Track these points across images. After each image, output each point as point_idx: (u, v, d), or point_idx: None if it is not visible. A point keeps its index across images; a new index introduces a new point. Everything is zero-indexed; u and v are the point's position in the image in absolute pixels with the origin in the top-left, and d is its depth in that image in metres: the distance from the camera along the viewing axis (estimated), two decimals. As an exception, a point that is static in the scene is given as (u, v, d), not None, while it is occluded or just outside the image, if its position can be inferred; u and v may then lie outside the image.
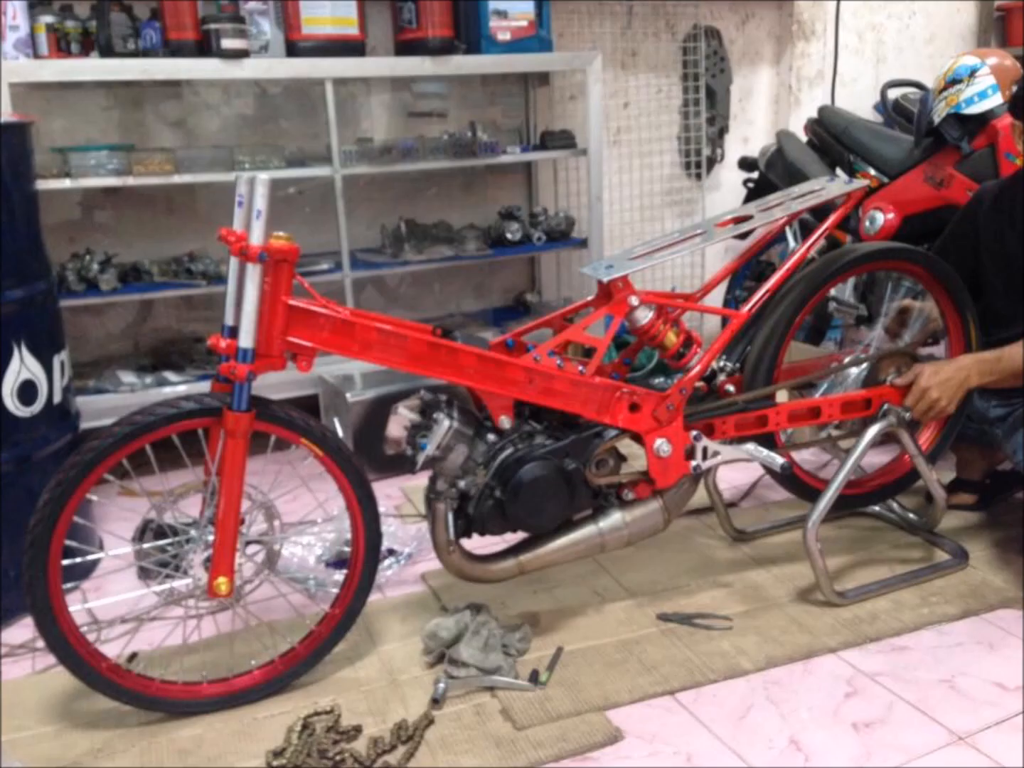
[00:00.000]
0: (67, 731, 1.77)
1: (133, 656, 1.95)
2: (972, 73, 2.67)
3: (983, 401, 2.30)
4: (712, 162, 4.18)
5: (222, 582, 1.73)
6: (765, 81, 4.26)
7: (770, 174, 3.37)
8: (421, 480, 2.02)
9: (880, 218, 2.91)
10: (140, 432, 1.67)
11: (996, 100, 2.64)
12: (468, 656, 1.84)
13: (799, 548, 2.13)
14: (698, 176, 4.11)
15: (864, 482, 2.38)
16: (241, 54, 2.85)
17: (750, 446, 2.05)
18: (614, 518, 1.99)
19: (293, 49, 3.01)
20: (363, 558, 1.88)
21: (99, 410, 2.73)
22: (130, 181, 2.85)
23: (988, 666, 1.89)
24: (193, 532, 1.78)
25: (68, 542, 1.68)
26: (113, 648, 1.88)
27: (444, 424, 1.81)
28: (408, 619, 2.11)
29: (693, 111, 4.02)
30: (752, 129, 4.29)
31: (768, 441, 2.10)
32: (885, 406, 2.15)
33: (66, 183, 2.77)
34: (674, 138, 4.09)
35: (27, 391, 2.16)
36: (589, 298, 2.07)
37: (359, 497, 1.84)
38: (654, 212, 4.08)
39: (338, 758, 1.64)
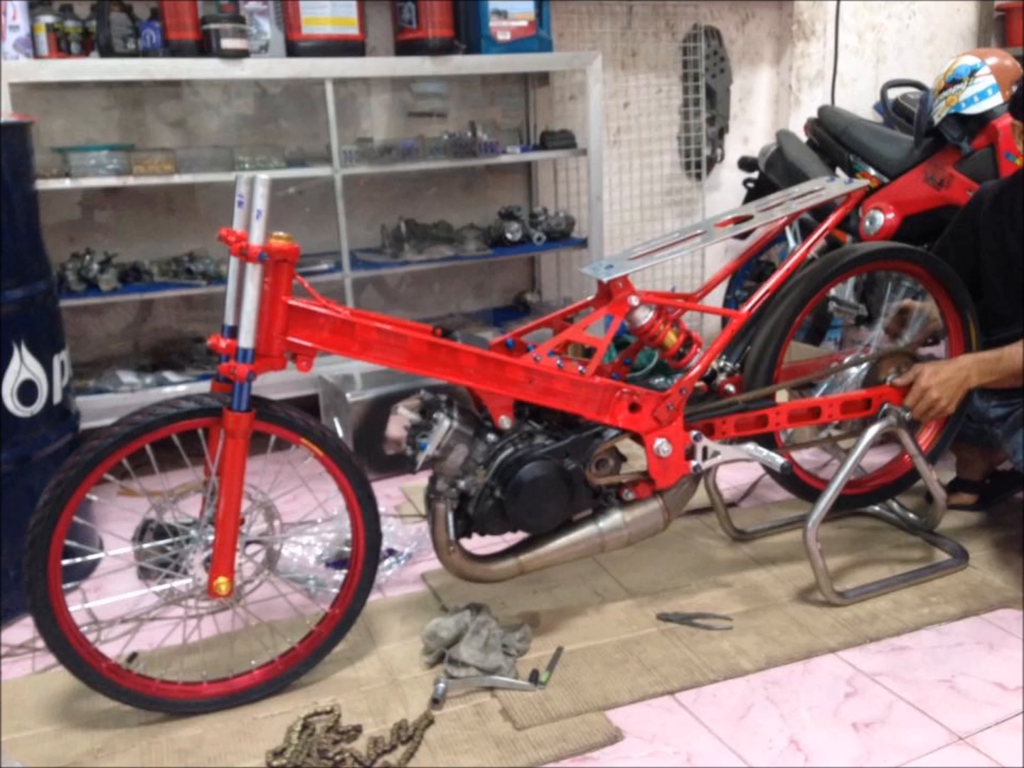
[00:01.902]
0: (67, 731, 1.77)
1: (133, 656, 1.95)
2: (972, 73, 2.67)
3: (983, 401, 2.30)
4: (712, 162, 4.18)
5: (222, 582, 1.73)
6: (765, 81, 4.26)
7: (770, 174, 3.37)
8: (421, 480, 2.02)
9: (880, 218, 2.92)
10: (140, 432, 1.67)
11: (996, 100, 2.64)
12: (468, 656, 1.84)
13: (799, 548, 2.13)
14: (698, 176, 4.11)
15: (864, 482, 2.38)
16: (241, 54, 2.85)
17: (750, 446, 2.05)
18: (614, 518, 1.99)
19: (293, 49, 3.01)
20: (363, 558, 1.88)
21: (99, 410, 2.73)
22: (130, 181, 2.85)
23: (988, 666, 1.89)
24: (193, 532, 1.78)
25: (68, 542, 1.68)
26: (113, 648, 1.88)
27: (444, 424, 1.81)
28: (408, 619, 2.11)
29: (693, 111, 4.02)
30: (752, 129, 4.29)
31: (768, 441, 2.10)
32: (885, 406, 2.15)
33: (66, 183, 2.77)
34: (674, 138, 4.09)
35: (27, 391, 2.16)
36: (589, 298, 2.07)
37: (359, 497, 1.84)
38: (654, 212, 4.08)
39: (338, 758, 1.64)
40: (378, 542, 1.89)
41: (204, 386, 2.37)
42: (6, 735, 1.76)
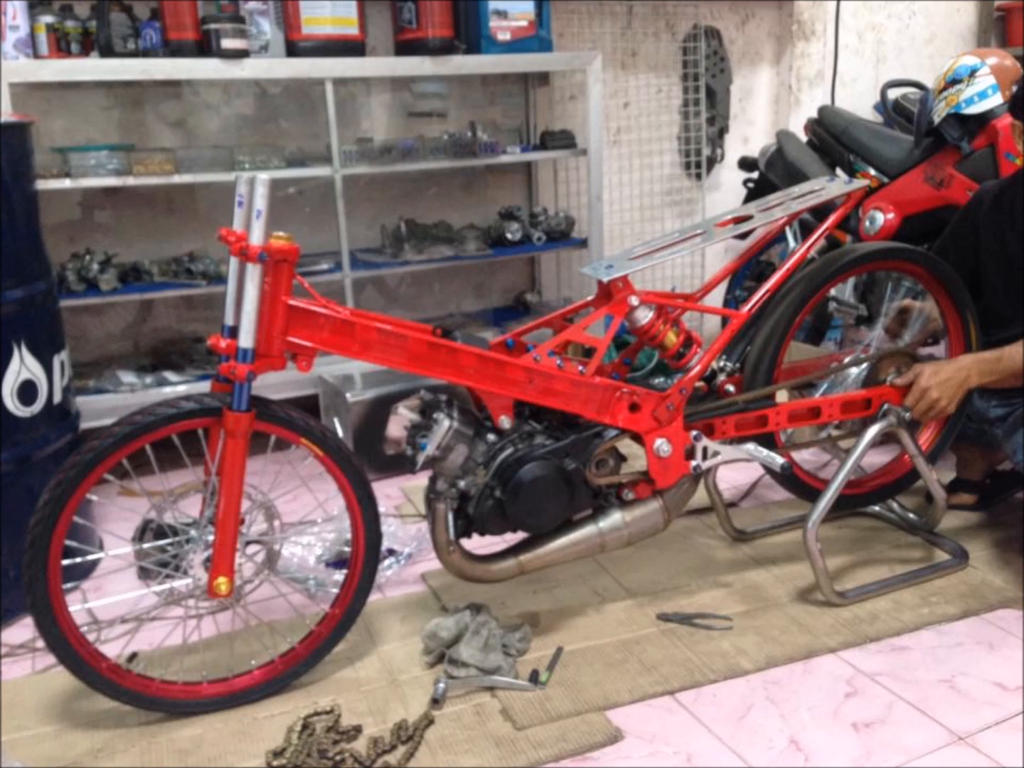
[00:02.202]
0: (67, 731, 1.77)
1: (133, 656, 1.95)
2: (972, 73, 2.67)
3: (983, 401, 2.30)
4: (712, 162, 4.18)
5: (222, 582, 1.73)
6: (765, 81, 4.26)
7: (770, 174, 3.37)
8: (421, 480, 2.02)
9: (880, 218, 2.92)
10: (140, 432, 1.67)
11: (996, 100, 2.64)
12: (468, 656, 1.84)
13: (799, 548, 2.13)
14: (698, 176, 4.11)
15: (864, 482, 2.38)
16: (241, 54, 2.85)
17: (750, 446, 2.05)
18: (614, 518, 1.99)
19: (293, 49, 3.01)
20: (363, 558, 1.88)
21: (99, 410, 2.73)
22: (130, 181, 2.85)
23: (988, 666, 1.89)
24: (193, 532, 1.78)
25: (68, 542, 1.68)
26: (113, 648, 1.88)
27: (444, 424, 1.81)
28: (408, 619, 2.11)
29: (693, 111, 4.02)
30: (752, 129, 4.29)
31: (768, 441, 2.10)
32: (885, 406, 2.15)
33: (66, 183, 2.77)
34: (674, 138, 4.09)
35: (27, 391, 2.16)
36: (589, 298, 2.07)
37: (359, 497, 1.84)
38: (654, 212, 4.08)
39: (338, 758, 1.64)
40: (378, 542, 1.89)
41: (204, 386, 2.37)
42: (6, 735, 1.76)
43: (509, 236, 3.46)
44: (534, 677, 1.86)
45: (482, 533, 1.92)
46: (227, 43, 2.81)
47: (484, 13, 3.19)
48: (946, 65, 2.76)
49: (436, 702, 1.79)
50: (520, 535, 1.98)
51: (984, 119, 2.66)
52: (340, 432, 2.92)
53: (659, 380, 3.28)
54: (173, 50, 2.83)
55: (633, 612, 2.12)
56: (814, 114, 3.37)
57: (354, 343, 1.74)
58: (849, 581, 2.21)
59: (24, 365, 2.15)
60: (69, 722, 1.79)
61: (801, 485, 2.26)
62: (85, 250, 2.93)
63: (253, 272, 1.63)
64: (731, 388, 2.10)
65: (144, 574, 2.27)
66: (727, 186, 4.22)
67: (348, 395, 2.94)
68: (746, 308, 2.04)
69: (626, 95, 3.95)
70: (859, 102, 4.25)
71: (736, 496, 2.74)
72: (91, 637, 1.87)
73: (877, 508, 2.52)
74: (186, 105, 3.22)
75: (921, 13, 4.50)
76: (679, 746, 1.69)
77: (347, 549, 2.03)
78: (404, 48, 3.20)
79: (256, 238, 1.63)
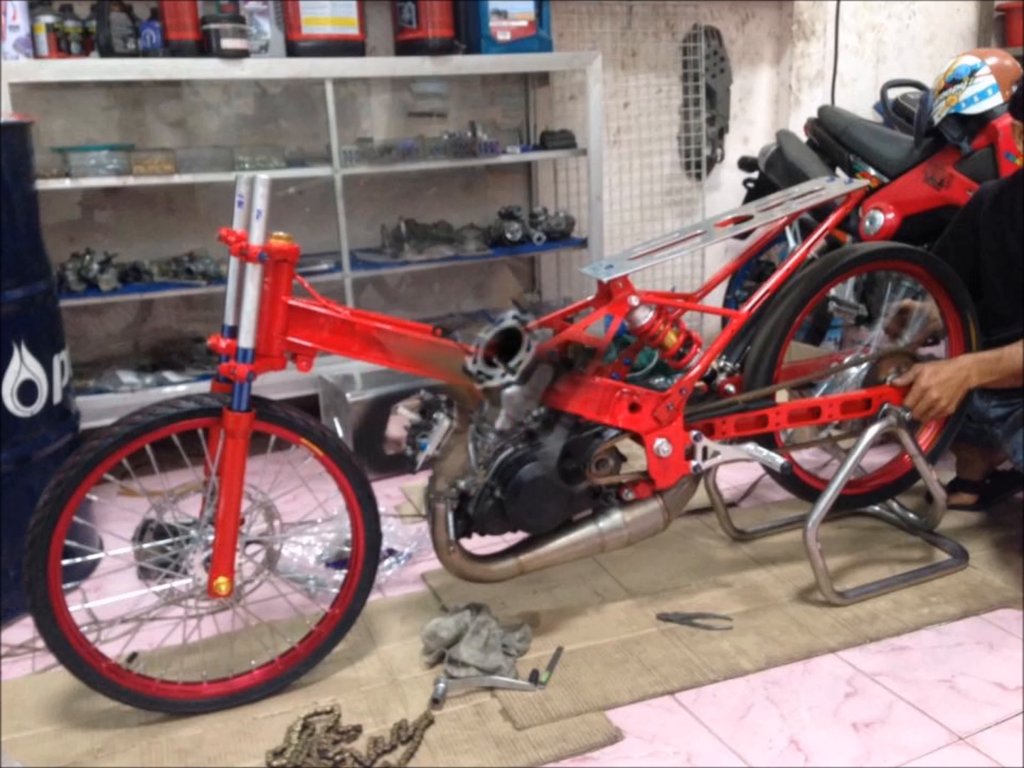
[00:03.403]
0: (67, 731, 1.77)
1: (133, 656, 1.95)
2: (972, 73, 2.67)
3: (983, 401, 2.30)
4: (712, 162, 4.18)
5: (222, 582, 1.73)
6: (765, 81, 4.26)
7: (770, 174, 3.37)
8: (421, 480, 2.02)
9: (880, 218, 2.92)
10: (140, 432, 1.67)
11: (996, 100, 2.65)
12: (468, 656, 1.84)
13: (799, 548, 2.13)
14: (698, 176, 4.11)
15: (864, 482, 2.38)
16: (241, 54, 2.85)
17: (750, 446, 2.05)
18: (614, 518, 1.99)
19: (293, 49, 3.01)
20: (363, 558, 1.88)
21: (99, 410, 2.73)
22: (130, 181, 2.85)
23: (988, 666, 1.89)
24: (193, 532, 1.78)
25: (68, 542, 1.68)
26: (113, 648, 1.88)
27: (444, 424, 1.81)
28: (408, 619, 2.11)
29: (693, 111, 4.02)
30: (752, 129, 4.29)
31: (768, 441, 2.10)
32: (885, 406, 2.15)
33: (66, 183, 2.77)
34: (674, 138, 4.09)
35: (27, 391, 2.16)
36: (589, 298, 2.07)
37: (359, 497, 1.84)
38: (654, 212, 4.08)
39: (338, 758, 1.64)
40: (378, 542, 1.89)
41: (204, 386, 2.36)
42: (6, 735, 1.76)
43: (509, 236, 3.46)
44: (534, 677, 1.86)
45: (482, 533, 1.92)
46: (227, 43, 2.81)
47: (484, 13, 3.19)
48: (946, 65, 2.76)
49: (436, 702, 1.79)
50: (520, 535, 1.98)
51: (984, 119, 2.66)
52: (340, 432, 2.92)
53: (659, 380, 3.28)
54: (173, 50, 2.83)
55: (633, 612, 2.12)
56: (814, 114, 3.37)
57: (354, 343, 1.74)
58: (849, 581, 2.21)
59: (24, 365, 2.15)
60: (69, 722, 1.79)
61: (801, 485, 2.26)
62: (85, 250, 2.93)
63: (253, 272, 1.64)
64: (731, 388, 2.10)
65: (144, 574, 2.27)
66: (727, 186, 4.22)
67: (348, 395, 2.94)
68: (746, 308, 2.04)
69: (626, 95, 3.95)
70: (859, 102, 4.25)
71: (736, 496, 2.74)
72: (91, 637, 1.87)
73: (877, 508, 2.52)
74: (186, 105, 3.22)
75: (921, 13, 4.50)
76: (679, 746, 1.69)
77: (347, 549, 2.03)
78: (404, 48, 3.20)
79: (256, 238, 1.63)
